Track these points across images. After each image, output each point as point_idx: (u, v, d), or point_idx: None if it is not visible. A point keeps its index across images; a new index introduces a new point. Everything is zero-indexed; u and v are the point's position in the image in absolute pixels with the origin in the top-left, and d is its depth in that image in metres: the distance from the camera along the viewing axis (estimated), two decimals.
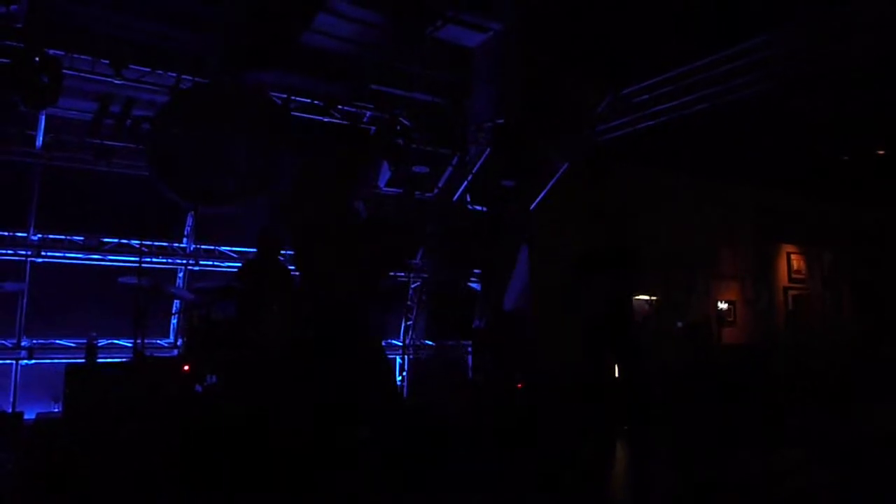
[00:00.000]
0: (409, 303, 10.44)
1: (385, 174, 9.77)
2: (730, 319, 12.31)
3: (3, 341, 7.85)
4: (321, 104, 8.58)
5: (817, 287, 14.02)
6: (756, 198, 12.82)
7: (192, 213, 8.72)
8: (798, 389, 10.40)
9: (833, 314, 13.96)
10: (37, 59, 6.59)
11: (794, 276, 13.70)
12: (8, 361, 7.83)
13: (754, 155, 10.80)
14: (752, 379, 10.08)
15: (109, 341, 8.10)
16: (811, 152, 10.86)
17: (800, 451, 6.85)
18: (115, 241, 8.33)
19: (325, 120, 8.75)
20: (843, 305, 14.19)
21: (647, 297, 10.51)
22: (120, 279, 6.78)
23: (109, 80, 7.41)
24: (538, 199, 10.23)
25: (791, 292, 13.56)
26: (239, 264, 8.67)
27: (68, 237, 8.16)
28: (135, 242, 8.25)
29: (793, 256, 13.74)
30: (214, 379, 6.32)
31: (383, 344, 7.73)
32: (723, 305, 12.28)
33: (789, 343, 12.63)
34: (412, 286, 10.42)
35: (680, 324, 10.53)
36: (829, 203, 13.89)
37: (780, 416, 8.65)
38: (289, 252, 9.07)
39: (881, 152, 11.15)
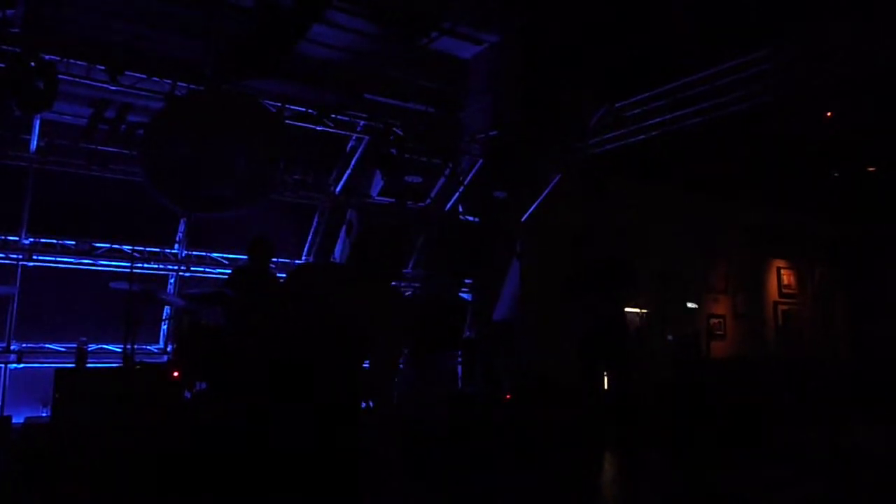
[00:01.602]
0: None
1: (378, 183, 9.81)
2: (720, 333, 12.36)
3: None
4: (315, 113, 8.62)
5: (807, 302, 14.09)
6: (747, 212, 12.89)
7: (185, 219, 8.73)
8: (787, 403, 10.44)
9: (823, 329, 14.02)
10: (32, 63, 6.60)
11: (784, 290, 13.77)
12: None
13: (745, 170, 10.88)
14: (741, 392, 10.12)
15: (99, 346, 8.10)
16: (802, 168, 10.95)
17: (789, 466, 6.89)
18: (107, 245, 8.34)
19: (319, 129, 8.79)
20: (833, 320, 14.25)
21: (638, 311, 10.56)
22: (111, 284, 6.79)
23: (104, 85, 7.42)
24: (530, 211, 10.28)
25: (781, 307, 13.63)
26: (230, 271, 8.68)
27: (60, 241, 8.15)
28: (126, 248, 8.25)
29: (783, 271, 13.81)
30: (204, 386, 6.33)
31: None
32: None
33: (779, 357, 12.69)
34: None
35: (670, 337, 10.57)
36: (820, 218, 13.99)
37: (770, 430, 8.68)
38: (281, 260, 9.14)
39: (872, 169, 11.25)
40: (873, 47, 6.95)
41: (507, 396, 8.35)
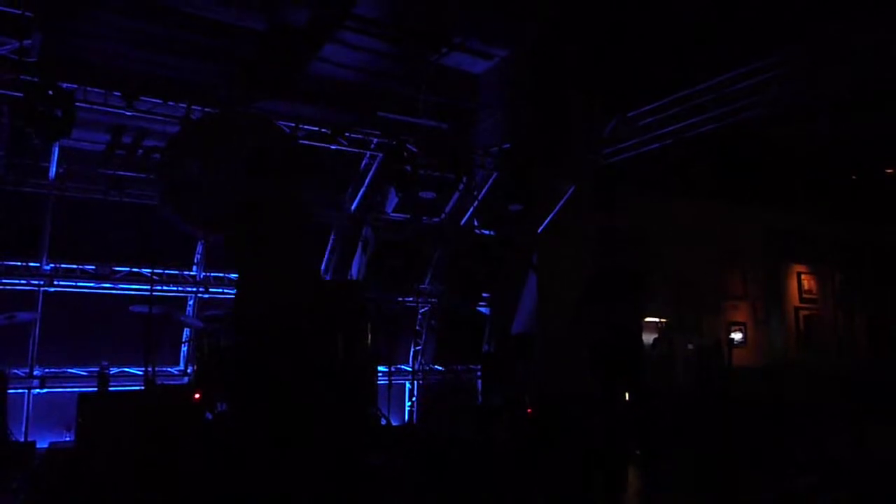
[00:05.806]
0: (417, 327, 10.46)
1: (392, 200, 9.84)
2: (741, 341, 12.23)
3: (15, 370, 7.89)
4: (328, 132, 8.67)
5: (829, 307, 13.93)
6: (765, 218, 12.79)
7: (202, 241, 8.80)
8: (810, 411, 10.30)
9: (845, 334, 13.84)
10: (50, 92, 6.70)
11: (804, 296, 13.61)
12: (20, 390, 7.86)
13: (762, 175, 10.81)
14: (763, 401, 10.00)
15: (121, 370, 8.15)
16: (819, 172, 10.87)
17: (811, 476, 6.79)
18: (127, 269, 8.41)
19: (333, 147, 8.84)
20: (855, 325, 14.08)
21: (657, 320, 10.50)
22: (131, 307, 6.85)
23: (121, 111, 7.53)
24: (545, 223, 10.25)
25: (802, 312, 13.47)
26: None
27: (80, 266, 8.24)
28: (146, 271, 8.31)
29: (803, 276, 13.66)
30: (225, 407, 6.34)
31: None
32: (736, 335, 12.11)
33: (801, 364, 12.53)
34: (421, 311, 10.44)
35: (690, 346, 10.49)
36: (839, 222, 13.84)
37: (792, 439, 8.57)
38: None
39: (889, 171, 11.15)
40: (890, 50, 6.91)
41: (529, 410, 8.30)
